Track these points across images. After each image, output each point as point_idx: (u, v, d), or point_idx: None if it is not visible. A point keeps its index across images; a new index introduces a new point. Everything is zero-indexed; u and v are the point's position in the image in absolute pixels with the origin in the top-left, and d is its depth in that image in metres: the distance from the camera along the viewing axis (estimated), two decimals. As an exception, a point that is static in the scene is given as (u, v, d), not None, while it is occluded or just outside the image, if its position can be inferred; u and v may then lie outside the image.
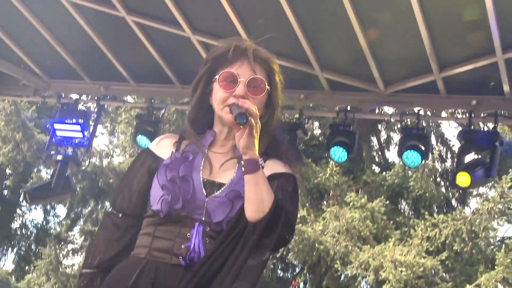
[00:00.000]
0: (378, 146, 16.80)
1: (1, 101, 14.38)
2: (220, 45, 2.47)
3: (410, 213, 14.36)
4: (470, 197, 15.42)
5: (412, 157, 6.90)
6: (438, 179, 15.30)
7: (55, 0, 7.10)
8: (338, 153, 7.17)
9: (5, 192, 19.74)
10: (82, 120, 8.41)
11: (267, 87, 2.41)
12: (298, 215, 11.81)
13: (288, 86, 7.75)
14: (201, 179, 2.33)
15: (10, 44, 7.99)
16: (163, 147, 2.48)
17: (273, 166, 2.39)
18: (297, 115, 7.61)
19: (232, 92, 2.35)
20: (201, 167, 2.36)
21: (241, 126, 2.17)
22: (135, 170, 2.49)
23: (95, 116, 9.08)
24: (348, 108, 7.46)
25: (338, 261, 11.57)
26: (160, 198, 2.31)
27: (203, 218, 2.27)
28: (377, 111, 8.20)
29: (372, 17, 6.29)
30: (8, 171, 17.69)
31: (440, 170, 15.54)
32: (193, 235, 2.25)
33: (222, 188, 2.31)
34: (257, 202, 2.20)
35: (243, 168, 2.22)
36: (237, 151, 2.31)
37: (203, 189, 2.31)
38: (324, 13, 6.51)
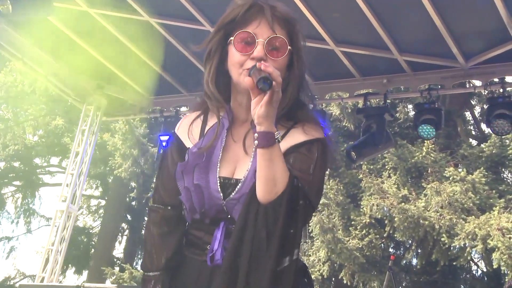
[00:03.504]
0: (473, 120, 16.13)
1: (116, 122, 15.05)
2: (234, 6, 2.07)
3: (514, 180, 13.67)
4: None
5: (501, 126, 6.57)
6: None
7: (148, 24, 7.34)
8: (426, 130, 6.98)
9: (133, 203, 20.74)
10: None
11: (289, 47, 2.01)
12: (400, 195, 11.68)
13: (371, 73, 7.62)
14: (217, 179, 2.02)
15: (117, 72, 8.34)
16: (187, 131, 2.15)
17: (296, 136, 2.02)
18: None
19: (250, 54, 1.97)
20: (218, 163, 2.05)
21: (266, 92, 1.80)
22: (168, 159, 2.17)
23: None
24: (437, 87, 7.24)
25: (444, 235, 11.17)
26: (182, 204, 2.09)
27: (229, 216, 2.01)
28: (467, 85, 7.95)
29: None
30: (132, 184, 18.48)
31: (540, 136, 14.65)
32: (217, 235, 2.00)
33: (237, 187, 2.00)
34: (269, 182, 1.86)
35: (255, 141, 1.85)
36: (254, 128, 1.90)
37: (220, 193, 2.01)
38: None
